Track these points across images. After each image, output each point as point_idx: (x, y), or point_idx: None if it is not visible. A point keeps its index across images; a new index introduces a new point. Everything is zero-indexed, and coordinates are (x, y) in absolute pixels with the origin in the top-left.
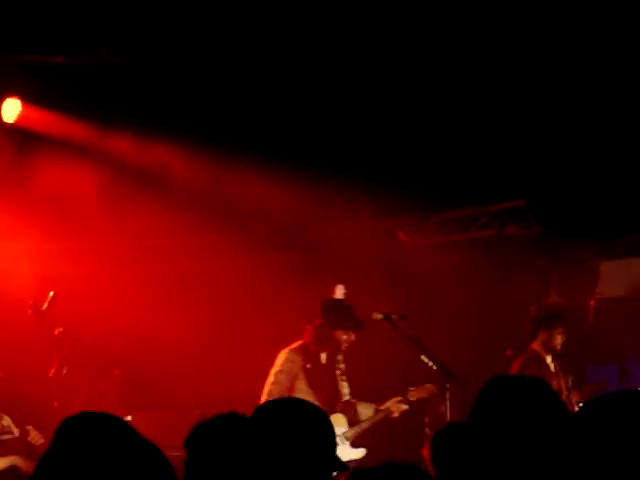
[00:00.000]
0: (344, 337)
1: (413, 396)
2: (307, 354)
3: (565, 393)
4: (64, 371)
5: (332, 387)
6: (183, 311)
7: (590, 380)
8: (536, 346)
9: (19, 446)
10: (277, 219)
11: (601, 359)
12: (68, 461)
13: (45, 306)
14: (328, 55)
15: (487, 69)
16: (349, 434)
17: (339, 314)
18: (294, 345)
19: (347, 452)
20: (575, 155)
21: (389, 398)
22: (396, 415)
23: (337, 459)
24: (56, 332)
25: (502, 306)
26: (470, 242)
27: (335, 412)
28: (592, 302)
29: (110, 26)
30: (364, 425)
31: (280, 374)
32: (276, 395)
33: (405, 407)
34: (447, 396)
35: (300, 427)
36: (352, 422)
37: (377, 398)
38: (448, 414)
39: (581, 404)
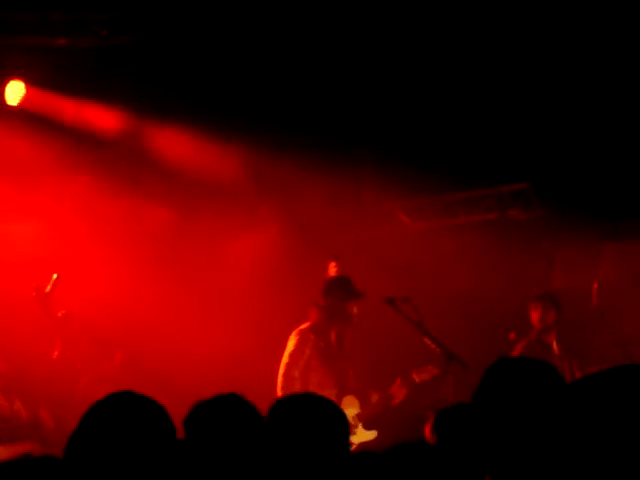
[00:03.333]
0: (353, 309)
1: (417, 378)
2: (318, 333)
3: (570, 377)
4: (67, 353)
5: (343, 367)
6: (187, 293)
7: (593, 363)
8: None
9: (29, 430)
10: (280, 202)
11: (604, 342)
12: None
13: (48, 289)
14: (335, 34)
15: (492, 51)
16: (362, 415)
17: (345, 288)
18: (304, 326)
19: (361, 433)
20: (579, 137)
21: (392, 380)
22: (397, 401)
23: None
24: (59, 314)
25: (506, 289)
26: (474, 225)
27: (347, 393)
28: (595, 285)
29: (112, 8)
30: (373, 408)
31: (295, 354)
32: (293, 375)
33: (405, 392)
34: (450, 379)
35: (317, 427)
36: (363, 404)
37: (380, 381)
38: (451, 396)
39: None
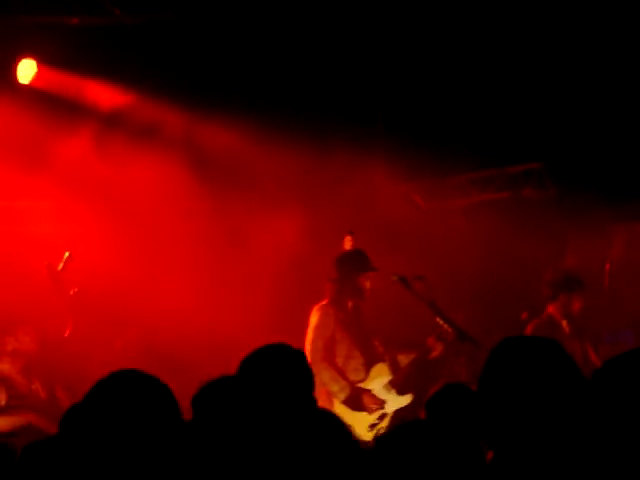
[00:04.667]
0: (367, 283)
1: (445, 336)
2: (338, 307)
3: (582, 357)
4: (80, 331)
5: (367, 336)
6: (199, 271)
7: (605, 343)
8: (553, 310)
9: (45, 408)
10: (294, 184)
11: (616, 323)
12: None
13: (60, 266)
14: (345, 16)
15: (506, 31)
16: (395, 381)
17: (358, 261)
18: (323, 302)
19: (395, 400)
20: (592, 117)
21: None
22: (436, 355)
23: (314, 400)
24: (71, 292)
25: (518, 268)
26: (486, 204)
27: (376, 361)
28: (608, 265)
29: None
30: (407, 370)
31: (319, 328)
32: (321, 350)
33: (442, 345)
34: (462, 358)
35: (281, 371)
36: (394, 370)
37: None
38: (464, 376)
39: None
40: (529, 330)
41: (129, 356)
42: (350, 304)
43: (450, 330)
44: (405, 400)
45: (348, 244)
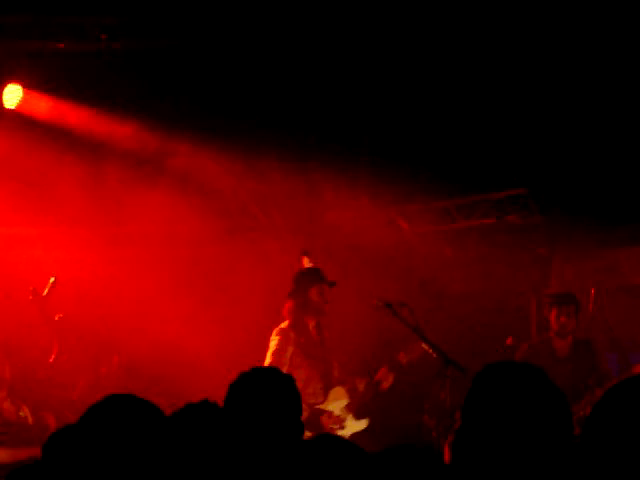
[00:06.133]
0: (322, 296)
1: (404, 358)
2: (298, 329)
3: (571, 381)
4: (64, 357)
5: (326, 360)
6: (184, 298)
7: None
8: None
9: (34, 435)
10: (278, 207)
11: (601, 348)
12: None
13: (46, 292)
14: (334, 39)
15: (489, 58)
16: (352, 405)
17: (308, 276)
18: (283, 324)
19: (351, 424)
20: (577, 143)
21: (378, 365)
22: (386, 386)
23: (302, 424)
24: (56, 318)
25: (503, 294)
26: (471, 230)
27: (334, 385)
28: (592, 291)
29: (111, 12)
30: (361, 396)
31: (277, 353)
32: None
33: (392, 376)
34: (447, 383)
35: (268, 396)
36: (352, 394)
37: (367, 367)
38: (448, 401)
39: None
40: (520, 354)
41: (113, 382)
42: (311, 324)
43: (435, 355)
44: (361, 425)
45: (307, 264)
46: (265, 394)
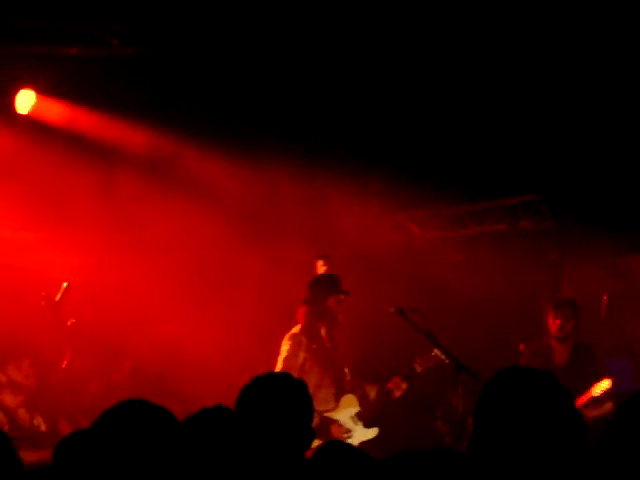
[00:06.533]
0: (336, 305)
1: (419, 367)
2: (310, 335)
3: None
4: (76, 362)
5: (338, 366)
6: (196, 304)
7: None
8: (545, 336)
9: (47, 440)
10: (288, 213)
11: (613, 354)
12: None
13: (58, 297)
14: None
15: (502, 65)
16: (362, 414)
17: (329, 283)
18: (295, 330)
19: (361, 432)
20: (589, 150)
21: (390, 373)
22: (398, 395)
23: (313, 430)
24: (69, 323)
25: (515, 300)
26: (483, 236)
27: (345, 392)
28: (605, 297)
29: (123, 18)
30: (373, 405)
31: (289, 359)
32: None
33: (405, 385)
34: (459, 389)
35: (280, 401)
36: (362, 402)
37: (379, 375)
38: (460, 407)
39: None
40: (523, 360)
41: (125, 388)
42: (323, 330)
43: (447, 361)
44: (371, 433)
45: (321, 268)
46: (276, 399)
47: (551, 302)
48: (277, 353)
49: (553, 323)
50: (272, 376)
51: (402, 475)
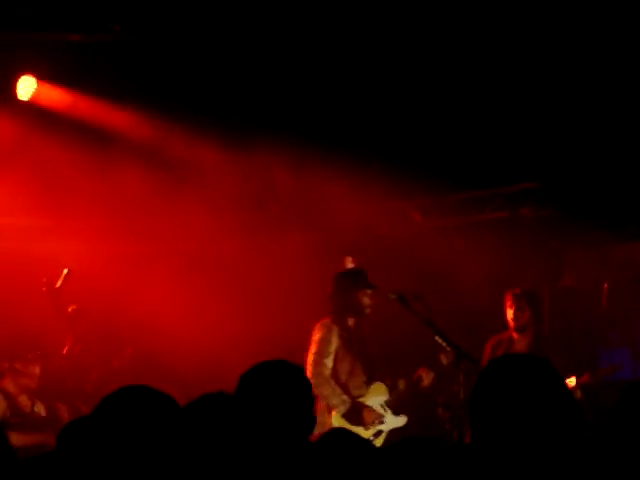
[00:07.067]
0: (366, 299)
1: (445, 360)
2: (339, 324)
3: None
4: (77, 349)
5: (368, 355)
6: (197, 290)
7: (602, 364)
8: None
9: (46, 426)
10: (291, 201)
11: (614, 342)
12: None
13: (59, 284)
14: (339, 37)
15: (502, 52)
16: (391, 402)
17: (355, 278)
18: (325, 319)
19: (391, 419)
20: (591, 137)
21: (417, 366)
22: (427, 384)
23: (314, 417)
24: (70, 310)
25: (515, 287)
26: (484, 223)
27: (375, 380)
28: (605, 285)
29: (125, 4)
30: (401, 394)
31: (321, 343)
32: (322, 362)
33: (432, 375)
34: (461, 377)
35: (281, 388)
36: (392, 391)
37: (406, 367)
38: (462, 394)
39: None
40: (487, 350)
41: (126, 374)
42: (351, 321)
43: (449, 349)
44: (400, 421)
45: (349, 264)
46: (275, 385)
47: (508, 292)
48: (276, 339)
49: (508, 313)
50: (270, 363)
51: (403, 462)
